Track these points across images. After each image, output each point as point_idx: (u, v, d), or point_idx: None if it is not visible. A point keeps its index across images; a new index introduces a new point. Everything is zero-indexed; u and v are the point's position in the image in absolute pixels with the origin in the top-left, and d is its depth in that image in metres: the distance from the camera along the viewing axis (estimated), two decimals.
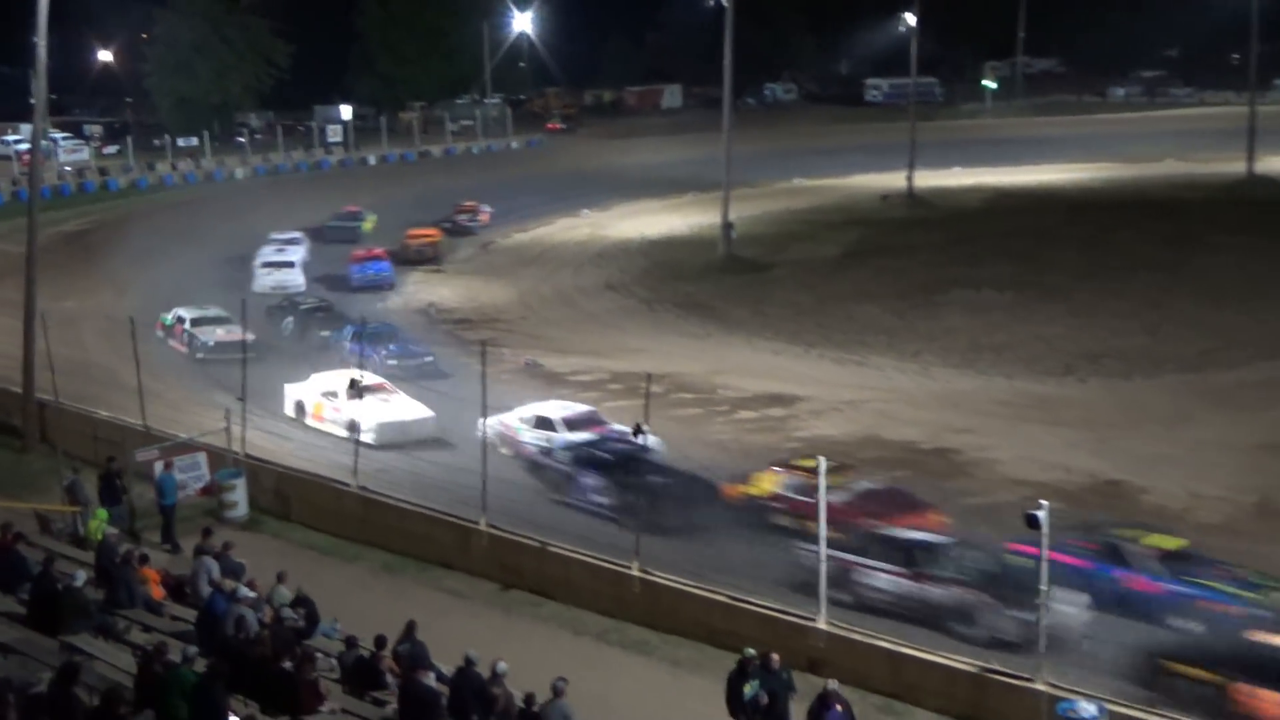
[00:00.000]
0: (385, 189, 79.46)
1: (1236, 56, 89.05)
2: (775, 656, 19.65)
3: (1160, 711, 20.01)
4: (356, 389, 32.51)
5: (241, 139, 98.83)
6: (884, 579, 24.64)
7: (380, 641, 20.10)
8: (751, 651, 19.77)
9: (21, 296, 36.11)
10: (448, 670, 19.44)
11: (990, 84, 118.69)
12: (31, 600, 21.27)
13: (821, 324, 48.11)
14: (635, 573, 25.03)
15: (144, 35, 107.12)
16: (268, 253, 57.23)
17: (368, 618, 21.71)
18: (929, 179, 75.36)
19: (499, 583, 26.76)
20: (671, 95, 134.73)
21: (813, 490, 24.03)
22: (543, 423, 33.74)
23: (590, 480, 30.32)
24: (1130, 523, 26.70)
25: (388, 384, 36.45)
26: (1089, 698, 19.61)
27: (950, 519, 27.37)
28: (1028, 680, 20.61)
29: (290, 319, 46.84)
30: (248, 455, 31.40)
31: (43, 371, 34.64)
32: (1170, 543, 25.03)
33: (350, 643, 20.63)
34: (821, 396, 39.10)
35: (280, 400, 37.01)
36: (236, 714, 17.42)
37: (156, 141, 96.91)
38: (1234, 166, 73.90)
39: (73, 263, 57.14)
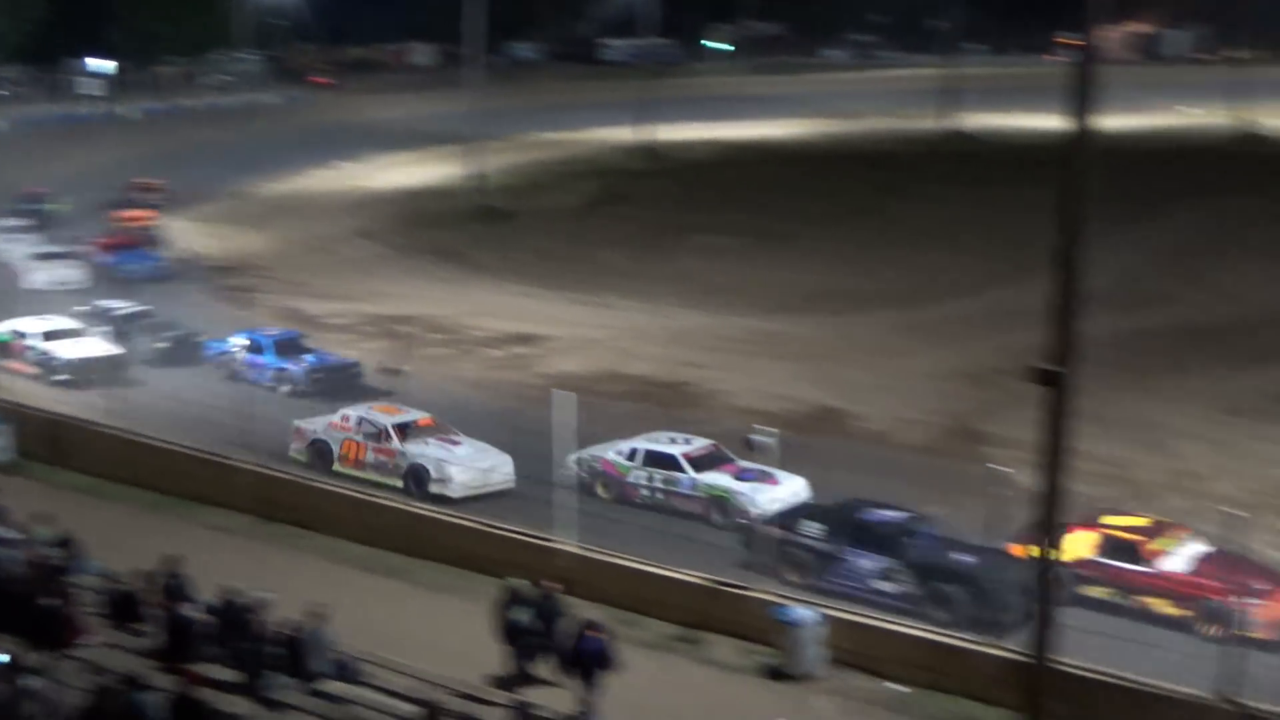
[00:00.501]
0: (135, 145, 74.24)
1: (938, 23, 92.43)
2: (548, 584, 19.60)
3: (873, 615, 20.99)
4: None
5: None
6: None
7: (141, 576, 19.46)
8: (518, 580, 19.69)
9: None
10: (210, 602, 18.97)
11: (718, 45, 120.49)
12: None
13: (566, 268, 48.19)
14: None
15: None
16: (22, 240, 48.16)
17: (132, 554, 20.97)
18: (664, 133, 76.28)
19: (262, 517, 26.19)
20: (424, 53, 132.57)
21: (1138, 555, 21.26)
22: (659, 460, 26.95)
23: (867, 563, 22.50)
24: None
25: (438, 421, 28.97)
26: (804, 604, 20.56)
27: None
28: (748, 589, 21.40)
29: (109, 329, 37.02)
30: (14, 403, 29.98)
31: None
32: None
33: (111, 578, 19.95)
34: (565, 336, 39.29)
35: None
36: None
37: None
38: (934, 123, 76.67)
39: None
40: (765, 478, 25.97)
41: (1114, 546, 21.83)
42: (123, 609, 19.17)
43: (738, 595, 21.48)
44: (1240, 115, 70.32)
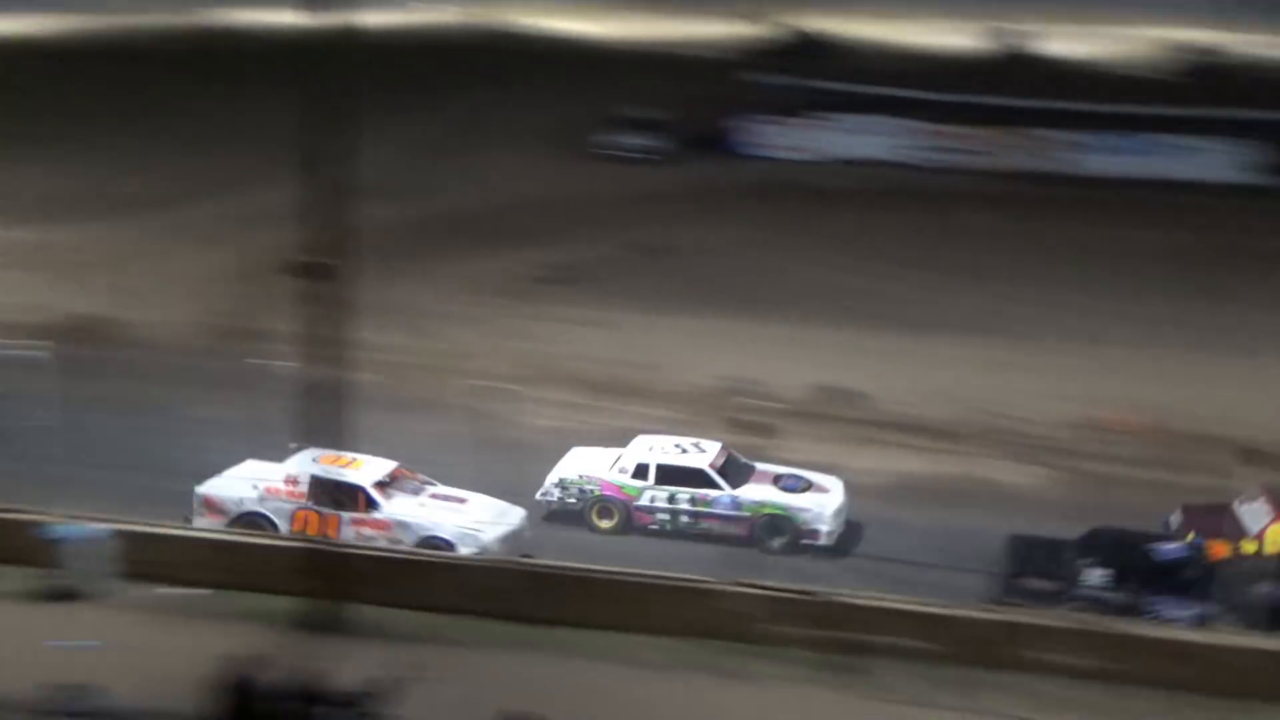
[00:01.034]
0: None
1: None
2: None
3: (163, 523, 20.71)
4: None
5: None
6: None
7: None
8: None
9: None
10: None
11: None
12: None
13: None
14: None
15: None
16: None
17: None
18: None
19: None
20: None
21: None
22: (681, 476, 22.67)
23: (1180, 612, 19.60)
24: None
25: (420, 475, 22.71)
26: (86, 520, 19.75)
27: None
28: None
29: None
30: None
31: None
32: None
33: None
34: None
35: None
36: None
37: None
38: (187, 19, 73.74)
39: None
40: (809, 485, 22.98)
41: None
42: None
43: (12, 520, 20.21)
44: (481, 13, 73.74)
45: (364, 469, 21.78)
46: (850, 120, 48.63)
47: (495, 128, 50.82)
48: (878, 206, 42.87)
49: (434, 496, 22.04)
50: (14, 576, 19.65)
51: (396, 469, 22.20)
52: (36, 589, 19.39)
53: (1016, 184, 44.87)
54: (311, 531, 21.04)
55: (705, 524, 22.64)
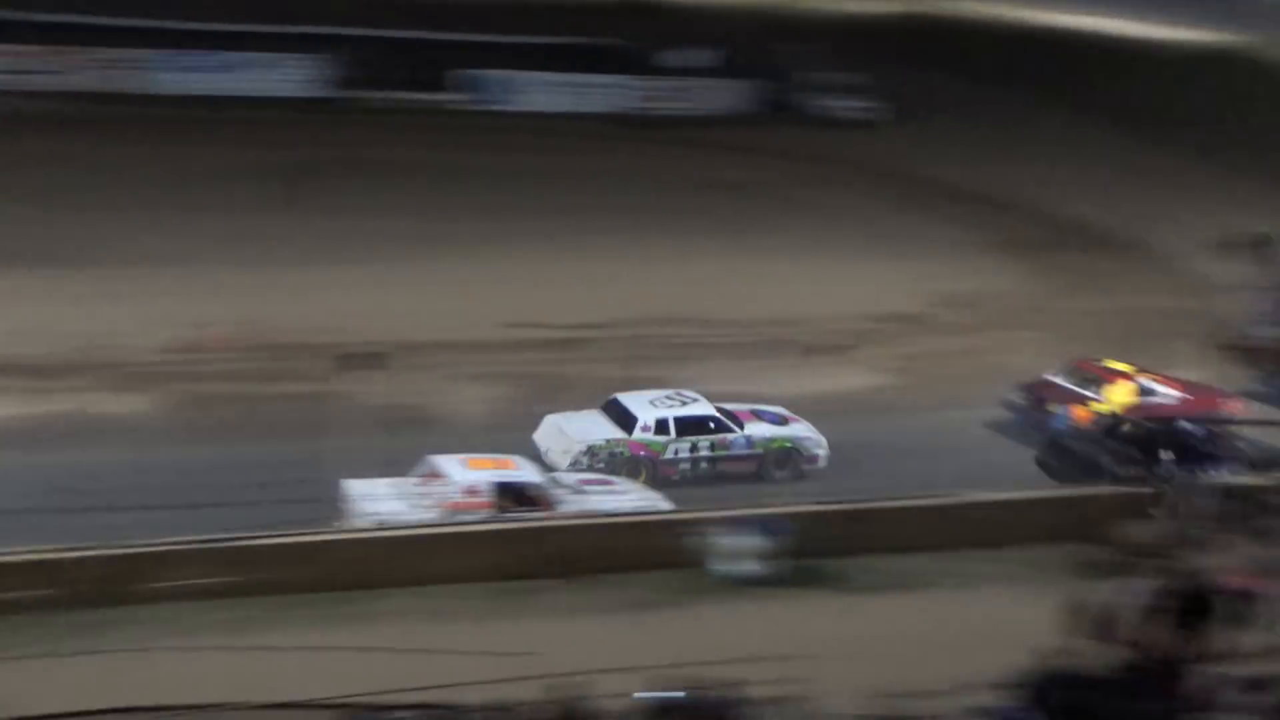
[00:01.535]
0: None
1: None
2: None
3: None
4: None
5: None
6: None
7: None
8: None
9: None
10: None
11: None
12: None
13: None
14: None
15: None
16: None
17: None
18: None
19: None
20: None
21: None
22: (698, 425, 24.35)
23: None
24: None
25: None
26: None
27: None
28: None
29: None
30: None
31: None
32: None
33: None
34: None
35: None
36: None
37: None
38: None
39: None
40: (790, 419, 25.47)
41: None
42: None
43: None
44: None
45: (524, 468, 22.06)
46: None
47: None
48: None
49: (585, 484, 22.71)
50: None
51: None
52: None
53: (88, 105, 42.96)
54: None
55: (721, 466, 24.52)
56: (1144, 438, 24.35)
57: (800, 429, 25.42)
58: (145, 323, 27.78)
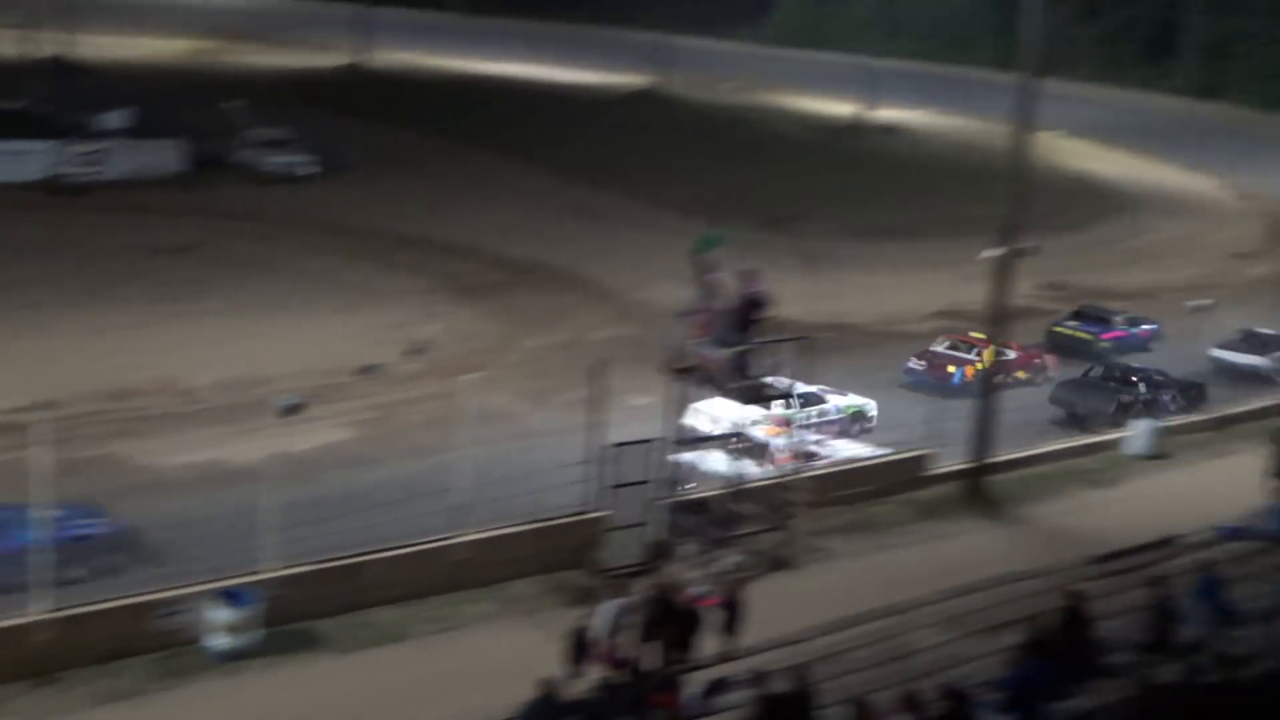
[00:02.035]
0: None
1: None
2: None
3: None
4: None
5: None
6: None
7: None
8: None
9: None
10: None
11: None
12: None
13: None
14: None
15: None
16: None
17: None
18: None
19: None
20: None
21: None
22: (810, 400, 30.06)
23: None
24: None
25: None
26: None
27: None
28: None
29: None
30: None
31: None
32: None
33: None
34: None
35: None
36: None
37: None
38: None
39: None
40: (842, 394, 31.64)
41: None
42: None
43: None
44: None
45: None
46: None
47: None
48: None
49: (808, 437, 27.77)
50: None
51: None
52: None
53: None
54: None
55: (823, 428, 29.93)
56: (1122, 377, 34.79)
57: (857, 399, 31.94)
58: None
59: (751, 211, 52.64)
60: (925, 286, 44.34)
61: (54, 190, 45.83)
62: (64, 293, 35.48)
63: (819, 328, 30.94)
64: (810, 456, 26.64)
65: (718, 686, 16.77)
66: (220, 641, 18.93)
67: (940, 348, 36.02)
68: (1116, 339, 40.15)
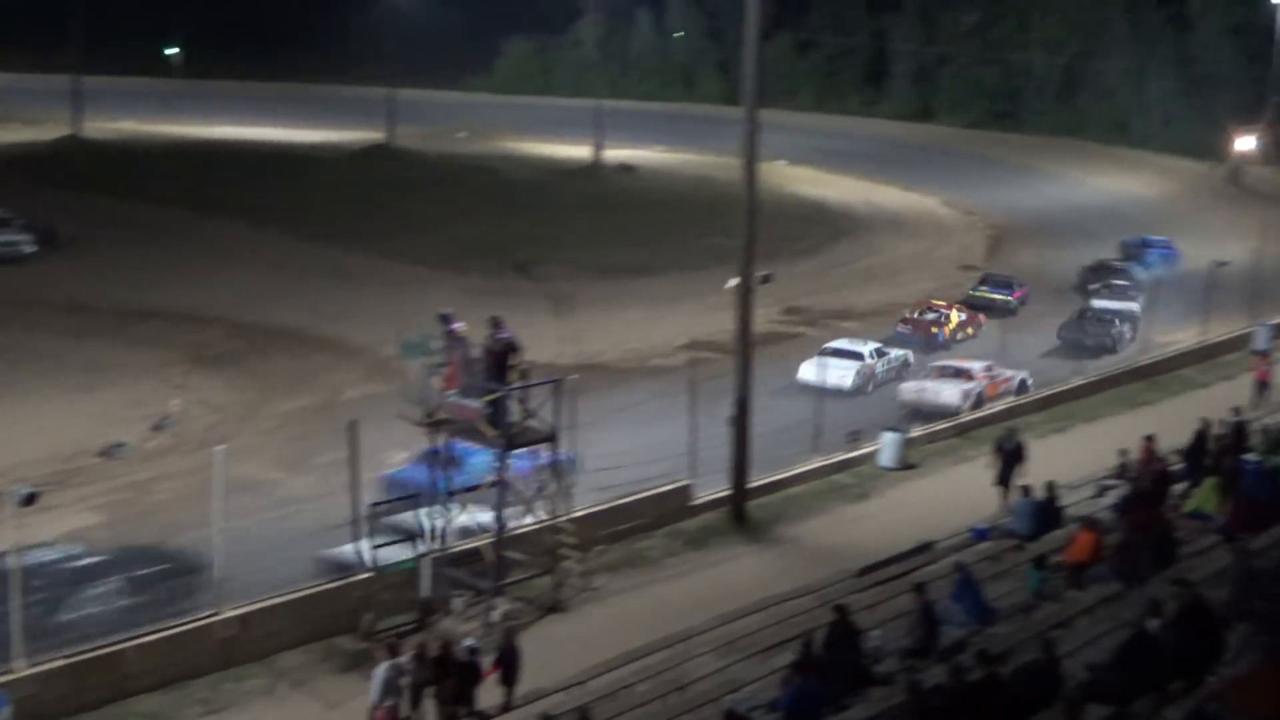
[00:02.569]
0: None
1: None
2: None
3: None
4: None
5: None
6: None
7: None
8: None
9: None
10: None
11: None
12: None
13: None
14: None
15: None
16: None
17: None
18: None
19: None
20: None
21: None
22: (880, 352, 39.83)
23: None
24: None
25: None
26: None
27: None
28: None
29: None
30: None
31: None
32: None
33: None
34: None
35: None
36: None
37: None
38: None
39: None
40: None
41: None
42: None
43: None
44: None
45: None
46: None
47: None
48: None
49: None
50: None
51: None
52: None
53: None
54: None
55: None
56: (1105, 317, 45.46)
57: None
58: None
59: (496, 258, 52.69)
60: (673, 320, 45.05)
61: None
62: None
63: (571, 369, 31.01)
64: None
65: None
66: None
67: (917, 315, 44.77)
68: (1023, 296, 50.26)
